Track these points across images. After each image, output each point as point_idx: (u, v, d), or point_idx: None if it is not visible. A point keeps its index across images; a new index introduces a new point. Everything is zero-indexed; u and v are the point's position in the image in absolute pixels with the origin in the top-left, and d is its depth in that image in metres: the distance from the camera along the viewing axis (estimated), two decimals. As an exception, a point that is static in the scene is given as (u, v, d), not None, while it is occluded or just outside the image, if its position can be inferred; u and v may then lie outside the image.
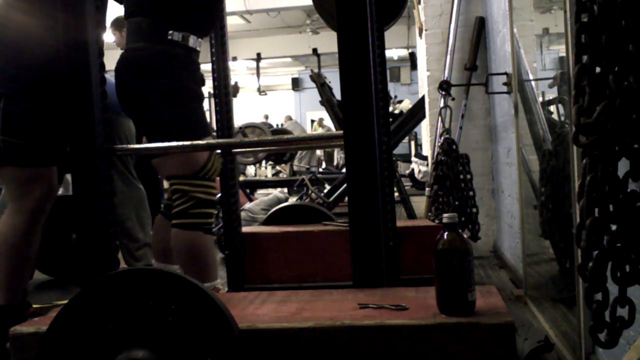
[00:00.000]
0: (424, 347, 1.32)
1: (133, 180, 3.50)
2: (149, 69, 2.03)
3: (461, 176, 3.36)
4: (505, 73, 3.10)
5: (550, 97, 3.04)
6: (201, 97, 2.18)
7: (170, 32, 2.02)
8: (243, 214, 4.15)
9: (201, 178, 2.08)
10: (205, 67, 2.23)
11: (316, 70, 5.67)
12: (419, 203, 4.95)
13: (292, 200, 5.52)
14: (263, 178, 9.44)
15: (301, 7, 11.27)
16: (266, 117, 14.14)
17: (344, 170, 6.31)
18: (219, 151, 2.33)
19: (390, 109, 5.94)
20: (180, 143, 1.83)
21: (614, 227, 1.08)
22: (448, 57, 3.85)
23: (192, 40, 2.08)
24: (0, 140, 2.24)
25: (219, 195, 2.42)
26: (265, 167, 11.15)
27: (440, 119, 3.65)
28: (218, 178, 2.35)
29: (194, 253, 2.09)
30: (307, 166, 10.11)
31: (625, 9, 1.02)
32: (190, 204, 2.06)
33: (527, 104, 2.87)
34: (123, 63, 2.09)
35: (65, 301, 1.37)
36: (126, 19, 2.12)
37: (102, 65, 1.69)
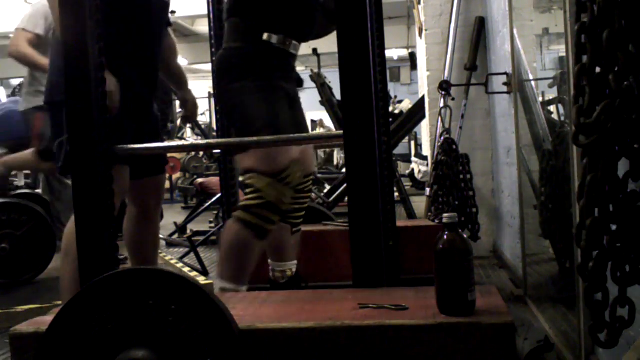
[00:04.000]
0: (424, 347, 1.32)
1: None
2: (242, 67, 2.09)
3: (461, 176, 3.36)
4: (505, 73, 3.10)
5: (550, 97, 3.04)
6: (294, 98, 2.24)
7: (266, 34, 2.09)
8: (243, 214, 4.13)
9: (279, 180, 2.00)
10: (205, 67, 2.24)
11: (316, 70, 5.67)
12: (419, 203, 4.95)
13: (292, 200, 5.50)
14: (263, 178, 9.38)
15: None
16: None
17: (344, 170, 6.30)
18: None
19: (390, 109, 5.94)
20: (180, 143, 1.83)
21: (614, 227, 1.08)
22: (448, 57, 3.85)
23: (288, 43, 2.15)
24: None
25: (219, 195, 2.41)
26: (265, 167, 11.09)
27: (440, 119, 3.64)
28: (217, 179, 2.32)
29: (236, 251, 2.02)
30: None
31: (625, 9, 1.02)
32: (257, 202, 1.99)
33: (527, 104, 2.87)
34: (220, 60, 2.16)
35: (65, 301, 1.38)
36: (225, 20, 2.19)
37: (102, 65, 1.69)
